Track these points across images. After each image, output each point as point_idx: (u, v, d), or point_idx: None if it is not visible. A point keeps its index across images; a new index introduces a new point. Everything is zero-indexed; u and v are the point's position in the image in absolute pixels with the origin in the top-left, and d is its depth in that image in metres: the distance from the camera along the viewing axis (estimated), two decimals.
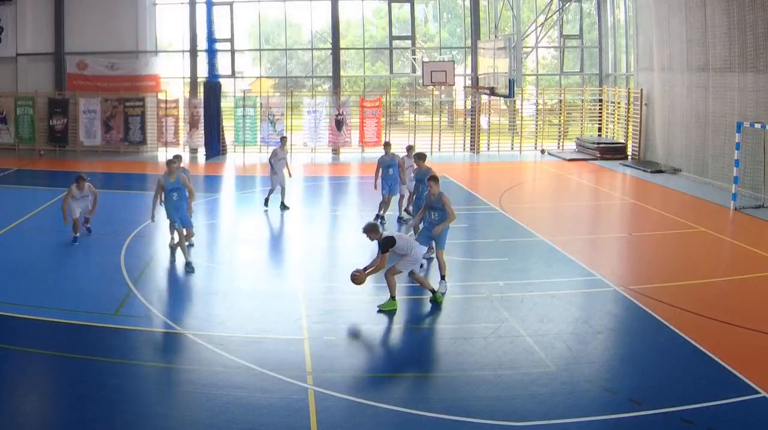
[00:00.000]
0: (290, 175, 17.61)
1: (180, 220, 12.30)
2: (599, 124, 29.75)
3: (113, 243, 13.72)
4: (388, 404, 7.50)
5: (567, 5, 28.72)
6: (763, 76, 18.27)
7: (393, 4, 29.52)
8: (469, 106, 29.22)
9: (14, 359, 8.47)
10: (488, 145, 29.21)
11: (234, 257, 13.87)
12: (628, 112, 27.07)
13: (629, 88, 27.46)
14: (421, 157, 14.24)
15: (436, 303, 10.55)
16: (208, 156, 25.99)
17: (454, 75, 27.64)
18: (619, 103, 28.38)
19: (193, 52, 28.19)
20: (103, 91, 27.69)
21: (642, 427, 7.05)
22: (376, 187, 15.73)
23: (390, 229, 14.50)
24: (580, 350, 8.93)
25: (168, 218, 12.53)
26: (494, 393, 7.76)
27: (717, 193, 19.28)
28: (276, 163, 16.92)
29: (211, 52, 25.31)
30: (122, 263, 12.46)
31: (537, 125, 29.75)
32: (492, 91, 25.77)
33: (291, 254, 14.06)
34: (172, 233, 13.45)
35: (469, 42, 29.40)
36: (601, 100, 29.54)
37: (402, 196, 16.18)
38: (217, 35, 26.20)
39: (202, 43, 26.96)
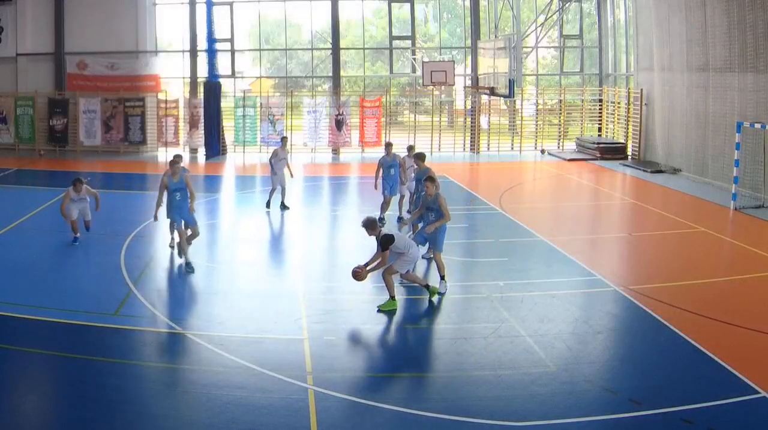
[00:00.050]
0: (292, 175, 17.60)
1: (184, 219, 12.29)
2: (599, 124, 29.75)
3: (113, 243, 13.71)
4: (388, 404, 7.51)
5: (567, 5, 28.72)
6: (763, 76, 18.27)
7: (393, 4, 29.53)
8: (469, 106, 29.22)
9: (14, 359, 8.47)
10: (488, 145, 29.21)
11: (234, 257, 13.87)
12: (628, 112, 27.07)
13: (629, 88, 27.46)
14: (420, 157, 14.26)
15: (432, 297, 10.61)
16: (208, 156, 25.99)
17: (454, 75, 27.63)
18: (619, 103, 28.38)
19: (193, 52, 28.19)
20: (103, 91, 27.69)
21: (642, 427, 7.05)
22: (376, 188, 15.72)
23: (389, 229, 14.46)
24: (580, 350, 8.93)
25: (168, 217, 12.53)
26: (494, 393, 7.76)
27: (717, 193, 19.28)
28: (276, 163, 16.90)
29: (211, 52, 25.30)
30: (122, 263, 12.46)
31: (537, 125, 29.76)
32: (492, 91, 25.77)
33: (291, 254, 14.06)
34: (172, 232, 13.46)
35: (469, 42, 29.40)
36: (601, 100, 29.55)
37: (402, 197, 16.18)
38: (217, 35, 26.17)
39: (202, 43, 26.95)
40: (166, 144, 27.82)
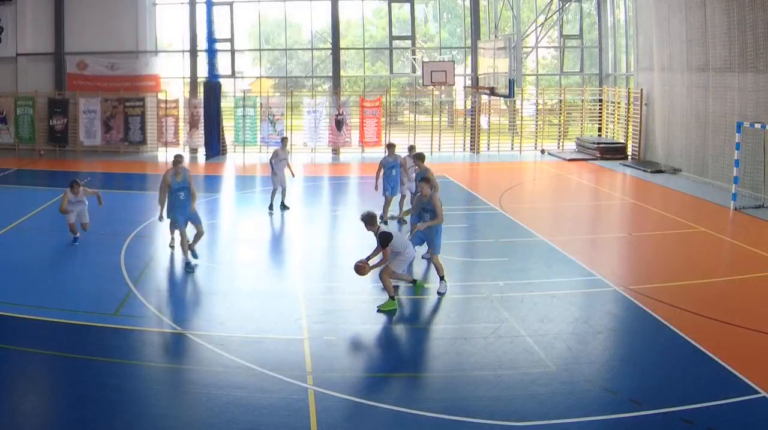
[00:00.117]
0: (293, 175, 17.59)
1: (188, 218, 12.27)
2: (599, 124, 29.75)
3: (113, 243, 13.72)
4: (388, 404, 7.51)
5: (567, 5, 28.72)
6: (763, 76, 18.27)
7: (393, 4, 29.52)
8: (469, 106, 29.22)
9: (14, 359, 8.48)
10: (488, 145, 29.21)
11: (234, 257, 13.87)
12: (628, 112, 27.08)
13: (629, 88, 27.46)
14: (420, 157, 14.26)
15: (418, 291, 10.70)
16: (208, 156, 25.99)
17: (454, 75, 27.63)
18: (619, 103, 28.38)
19: (193, 52, 28.19)
20: (103, 91, 27.69)
21: (642, 427, 7.06)
22: (376, 189, 15.69)
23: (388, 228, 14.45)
24: (580, 350, 8.93)
25: (170, 217, 12.53)
26: (494, 393, 7.76)
27: (717, 193, 19.28)
28: (276, 164, 16.87)
29: (211, 52, 25.30)
30: (122, 263, 12.46)
31: (537, 125, 29.75)
32: (492, 91, 25.77)
33: (291, 254, 14.06)
34: (172, 232, 13.46)
35: (469, 42, 29.41)
36: (601, 100, 29.55)
37: (403, 197, 16.17)
38: (217, 35, 26.17)
39: (202, 43, 26.95)
40: (166, 144, 27.82)
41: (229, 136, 28.43)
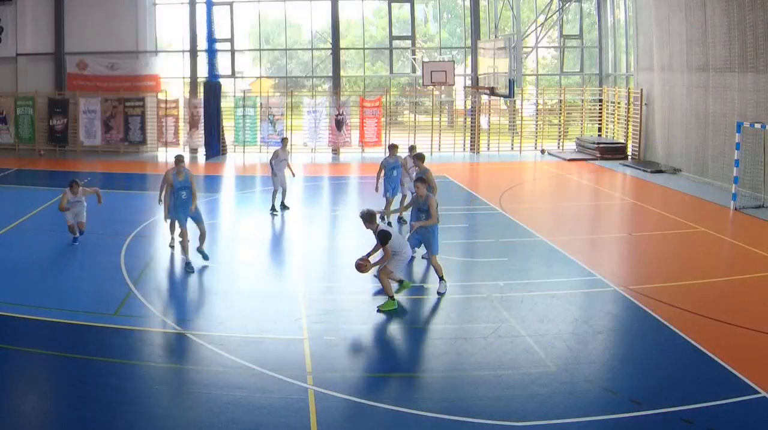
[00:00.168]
0: (293, 175, 17.59)
1: (190, 217, 12.26)
2: (599, 124, 29.75)
3: (113, 243, 13.72)
4: (388, 404, 7.51)
5: (567, 5, 28.72)
6: (763, 76, 18.27)
7: (393, 4, 29.53)
8: (469, 106, 29.22)
9: (14, 359, 8.48)
10: (488, 145, 29.21)
11: (234, 257, 13.87)
12: (628, 112, 27.08)
13: (629, 88, 27.46)
14: (420, 157, 14.25)
15: (400, 292, 10.66)
16: (208, 156, 26.00)
17: (454, 75, 27.63)
18: (619, 103, 28.38)
19: (193, 52, 28.19)
20: (103, 91, 27.70)
21: (642, 427, 7.05)
22: (377, 190, 15.64)
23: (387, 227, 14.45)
24: (580, 350, 8.93)
25: (172, 217, 12.54)
26: (494, 393, 7.76)
27: (717, 193, 19.28)
28: (276, 164, 16.84)
29: (211, 52, 25.31)
30: (122, 263, 12.46)
31: (537, 125, 29.75)
32: (492, 91, 25.77)
33: (291, 254, 14.06)
34: (172, 232, 13.47)
35: (469, 42, 29.41)
36: (601, 100, 29.55)
37: (404, 197, 16.16)
38: (217, 35, 26.19)
39: (202, 43, 26.95)
40: (166, 144, 27.82)
41: (229, 136, 28.43)
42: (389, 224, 15.05)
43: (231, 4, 28.29)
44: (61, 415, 7.28)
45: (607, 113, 29.47)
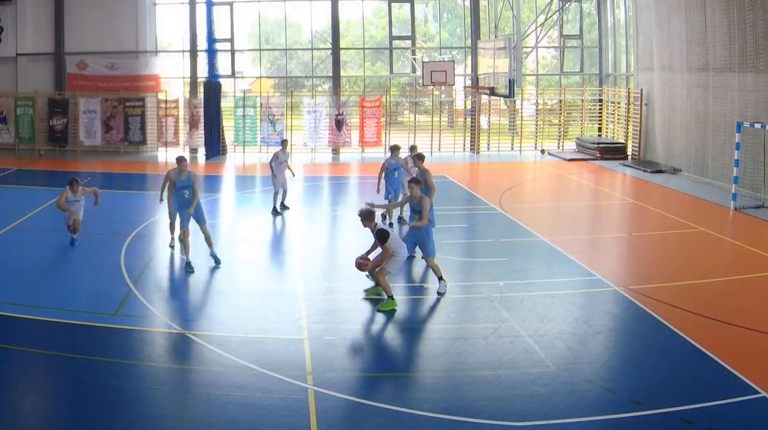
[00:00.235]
0: (293, 174, 17.57)
1: (193, 217, 12.25)
2: (599, 124, 29.75)
3: (113, 243, 13.71)
4: (388, 404, 7.51)
5: (567, 5, 28.72)
6: (763, 76, 18.27)
7: (393, 4, 29.52)
8: (469, 106, 29.22)
9: (14, 359, 8.48)
10: (488, 145, 29.20)
11: (234, 257, 13.85)
12: (628, 112, 27.08)
13: (629, 88, 27.46)
14: (420, 157, 14.25)
15: (370, 295, 10.68)
16: (208, 156, 26.00)
17: (454, 75, 27.63)
18: (619, 103, 28.38)
19: (193, 52, 28.19)
20: (103, 91, 27.69)
21: (642, 427, 7.06)
22: (378, 191, 15.60)
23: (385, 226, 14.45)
24: (580, 350, 8.93)
25: (175, 215, 12.52)
26: (494, 393, 7.76)
27: (717, 193, 19.28)
28: (277, 166, 16.81)
29: (211, 52, 25.31)
30: (122, 263, 12.46)
31: (537, 125, 29.75)
32: (492, 91, 25.77)
33: (291, 254, 14.06)
34: (172, 232, 13.47)
35: (469, 42, 29.40)
36: (601, 100, 29.55)
37: (405, 196, 16.14)
38: (217, 35, 26.19)
39: (202, 43, 26.95)
40: (166, 144, 27.82)
41: (229, 136, 28.43)
42: (390, 224, 15.06)
43: (231, 4, 28.29)
44: (61, 415, 7.28)
45: (607, 113, 29.47)
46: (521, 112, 30.00)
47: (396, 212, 16.20)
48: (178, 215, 12.58)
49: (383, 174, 15.61)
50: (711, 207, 18.06)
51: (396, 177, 15.69)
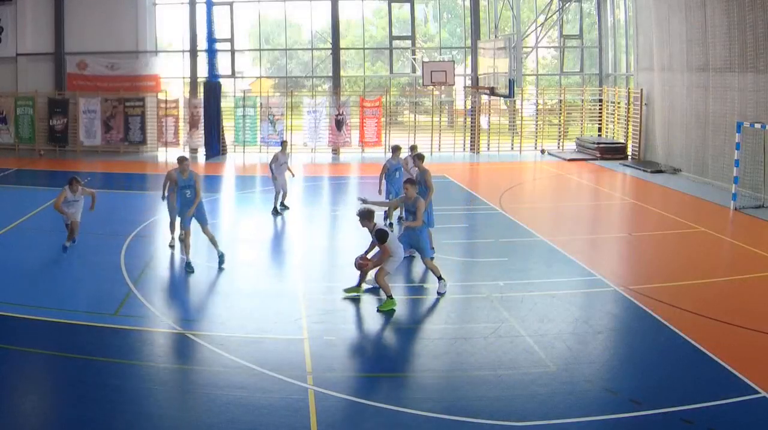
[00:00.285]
0: (293, 175, 17.56)
1: (195, 218, 12.24)
2: (599, 124, 29.75)
3: (113, 243, 13.71)
4: (388, 404, 7.50)
5: (567, 5, 28.72)
6: (763, 76, 18.27)
7: (393, 4, 29.52)
8: (469, 106, 29.22)
9: (14, 359, 8.47)
10: (488, 145, 29.21)
11: (234, 257, 13.84)
12: (628, 112, 27.08)
13: (629, 88, 27.46)
14: (420, 157, 14.24)
15: (351, 293, 10.68)
16: (208, 156, 26.00)
17: (454, 75, 27.63)
18: (619, 103, 28.38)
19: (193, 52, 28.20)
20: (103, 91, 27.70)
21: (642, 427, 7.05)
22: (380, 192, 15.58)
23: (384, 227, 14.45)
24: (580, 350, 8.93)
25: (175, 215, 12.51)
26: (494, 393, 7.76)
27: (717, 193, 19.28)
28: (277, 168, 16.78)
29: (211, 52, 25.31)
30: (122, 263, 12.46)
31: (537, 125, 29.75)
32: (492, 91, 25.77)
33: (291, 254, 14.06)
34: (172, 232, 13.46)
35: (469, 42, 29.41)
36: (601, 100, 29.55)
37: None
38: (217, 35, 26.19)
39: (202, 43, 26.96)
40: (166, 144, 27.83)
41: (229, 136, 28.43)
42: (390, 224, 15.06)
43: (231, 4, 28.29)
44: (61, 415, 7.28)
45: (607, 113, 29.48)
46: (521, 112, 30.01)
47: (396, 212, 16.19)
48: (178, 215, 12.58)
49: (385, 174, 15.60)
50: (711, 207, 18.06)
51: (398, 178, 15.65)
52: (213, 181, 22.55)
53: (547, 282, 11.48)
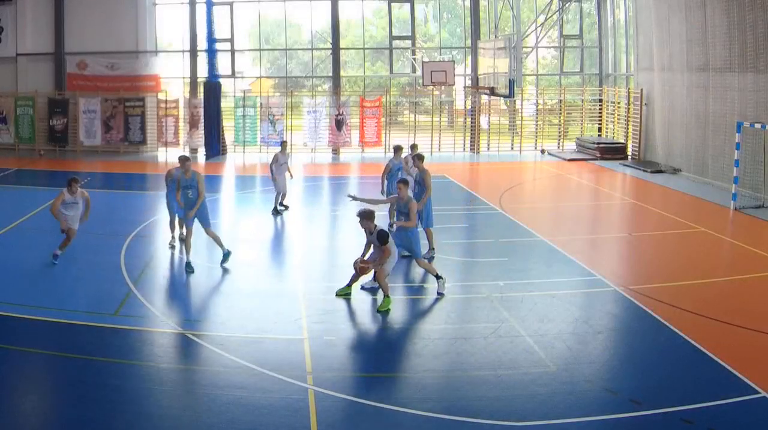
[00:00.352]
0: (291, 176, 17.57)
1: (197, 218, 12.22)
2: (599, 124, 29.75)
3: (113, 243, 13.71)
4: (388, 404, 7.51)
5: (567, 5, 28.72)
6: (763, 76, 18.27)
7: (393, 4, 29.52)
8: (469, 106, 29.22)
9: (14, 359, 8.47)
10: (488, 145, 29.20)
11: (234, 256, 13.83)
12: (628, 112, 27.08)
13: (629, 88, 27.46)
14: (420, 157, 14.22)
15: (342, 294, 10.69)
16: (208, 156, 25.99)
17: (454, 75, 27.63)
18: (619, 103, 28.38)
19: (193, 52, 28.19)
20: (103, 91, 27.70)
21: (642, 427, 7.05)
22: (383, 192, 15.56)
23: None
24: (580, 350, 8.93)
25: (175, 214, 12.51)
26: (494, 393, 7.76)
27: (717, 193, 19.28)
28: (277, 169, 16.76)
29: (211, 52, 25.31)
30: (122, 263, 12.46)
31: (537, 125, 29.75)
32: (492, 91, 25.77)
33: (291, 254, 14.06)
34: (172, 231, 13.46)
35: (469, 42, 29.41)
36: (601, 100, 29.55)
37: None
38: (217, 35, 26.18)
39: (202, 43, 26.96)
40: (166, 144, 27.83)
41: (229, 136, 28.43)
42: (390, 224, 15.05)
43: (231, 4, 28.29)
44: (61, 415, 7.28)
45: (607, 113, 29.48)
46: (521, 112, 30.01)
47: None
48: (177, 214, 12.58)
49: (387, 174, 15.58)
50: (711, 207, 18.06)
51: (400, 177, 15.63)
52: (213, 182, 22.52)
53: (547, 282, 11.48)
